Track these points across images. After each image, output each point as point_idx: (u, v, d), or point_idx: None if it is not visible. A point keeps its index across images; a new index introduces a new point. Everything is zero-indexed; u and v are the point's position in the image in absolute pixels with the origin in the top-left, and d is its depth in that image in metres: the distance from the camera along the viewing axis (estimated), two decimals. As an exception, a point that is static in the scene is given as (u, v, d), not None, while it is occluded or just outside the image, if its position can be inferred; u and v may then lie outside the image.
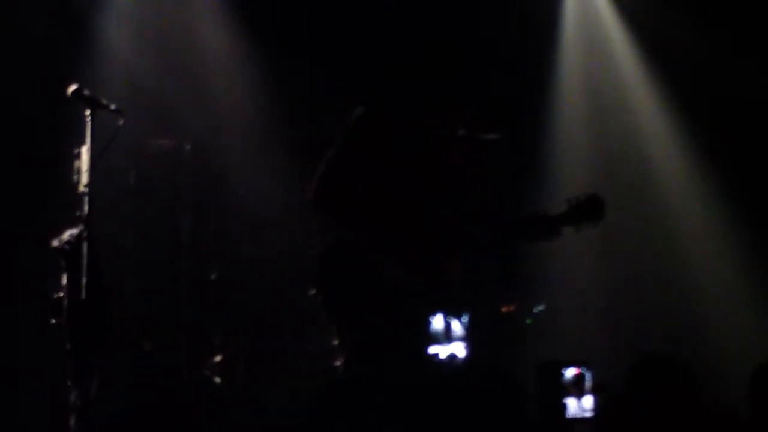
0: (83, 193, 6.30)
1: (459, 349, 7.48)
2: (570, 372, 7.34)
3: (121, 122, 6.39)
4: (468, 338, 7.48)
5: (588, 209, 6.10)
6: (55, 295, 6.71)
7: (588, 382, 7.41)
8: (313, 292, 7.02)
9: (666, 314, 9.21)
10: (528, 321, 8.75)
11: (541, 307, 8.80)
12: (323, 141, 5.94)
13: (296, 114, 8.71)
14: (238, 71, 9.12)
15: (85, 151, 6.31)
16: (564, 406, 7.25)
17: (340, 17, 8.99)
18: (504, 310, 8.65)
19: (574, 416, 7.25)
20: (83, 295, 6.32)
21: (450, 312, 6.91)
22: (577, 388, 7.42)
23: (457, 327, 7.51)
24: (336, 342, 6.02)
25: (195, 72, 9.03)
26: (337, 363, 6.02)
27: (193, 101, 8.86)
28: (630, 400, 4.98)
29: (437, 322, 7.16)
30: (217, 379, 8.21)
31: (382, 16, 8.77)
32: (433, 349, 6.82)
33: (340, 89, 6.75)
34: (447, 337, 7.50)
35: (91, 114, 6.33)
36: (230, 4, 9.09)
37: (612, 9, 9.67)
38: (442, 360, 7.16)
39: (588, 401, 7.29)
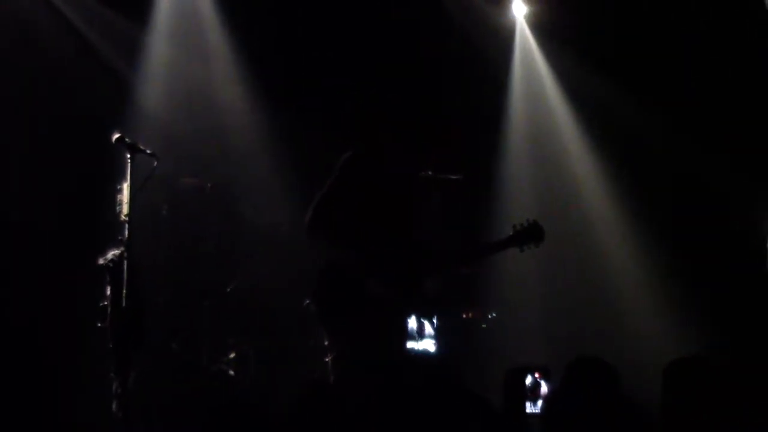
0: (124, 221, 6.26)
1: (430, 345, 7.50)
2: (529, 379, 7.29)
3: (156, 164, 6.35)
4: (437, 336, 7.54)
5: (530, 233, 6.11)
6: (101, 304, 6.66)
7: (543, 389, 7.36)
8: (307, 301, 7.05)
9: (594, 319, 9.05)
10: (483, 325, 8.61)
11: (494, 314, 8.67)
12: (319, 179, 5.92)
13: (298, 156, 8.58)
14: (251, 122, 9.00)
15: (126, 187, 6.27)
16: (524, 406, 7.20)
17: (334, 75, 8.95)
18: (465, 315, 8.56)
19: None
20: (124, 303, 6.26)
21: (422, 315, 6.91)
22: (533, 393, 7.34)
23: (428, 327, 7.52)
24: (326, 342, 6.09)
25: (215, 123, 8.94)
26: (327, 359, 6.05)
27: (213, 147, 8.83)
28: (563, 395, 4.86)
29: (412, 323, 7.17)
30: (231, 372, 8.09)
31: (368, 79, 8.77)
32: (408, 344, 6.72)
33: (333, 137, 6.65)
34: (420, 335, 7.55)
35: (131, 157, 6.27)
36: (244, 65, 8.97)
37: (550, 74, 9.64)
38: (416, 353, 7.09)
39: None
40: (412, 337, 7.23)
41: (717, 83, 8.86)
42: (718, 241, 8.72)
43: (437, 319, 7.32)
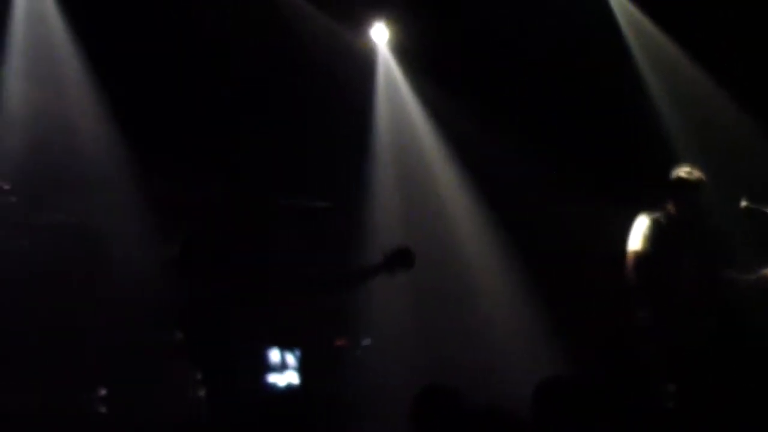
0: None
1: (293, 378, 7.60)
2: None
3: (14, 200, 6.43)
4: (301, 368, 7.62)
5: (400, 259, 6.19)
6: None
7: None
8: (179, 335, 7.09)
9: (465, 345, 9.13)
10: (358, 352, 8.74)
11: (367, 341, 8.82)
12: (185, 214, 6.05)
13: (161, 189, 8.26)
14: (112, 155, 8.76)
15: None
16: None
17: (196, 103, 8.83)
18: (337, 343, 8.66)
19: None
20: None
21: (284, 346, 6.98)
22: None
23: (290, 359, 7.60)
24: (198, 375, 6.13)
25: (74, 158, 8.68)
26: (201, 393, 6.09)
27: (74, 183, 8.60)
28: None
29: (274, 355, 7.24)
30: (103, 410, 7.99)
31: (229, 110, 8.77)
32: (271, 378, 6.85)
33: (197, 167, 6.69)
34: (282, 367, 7.62)
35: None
36: (102, 96, 8.82)
37: (414, 99, 9.75)
38: (279, 387, 7.17)
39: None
40: (274, 369, 7.35)
41: (581, 104, 9.23)
42: (580, 261, 8.96)
43: (301, 350, 7.43)
